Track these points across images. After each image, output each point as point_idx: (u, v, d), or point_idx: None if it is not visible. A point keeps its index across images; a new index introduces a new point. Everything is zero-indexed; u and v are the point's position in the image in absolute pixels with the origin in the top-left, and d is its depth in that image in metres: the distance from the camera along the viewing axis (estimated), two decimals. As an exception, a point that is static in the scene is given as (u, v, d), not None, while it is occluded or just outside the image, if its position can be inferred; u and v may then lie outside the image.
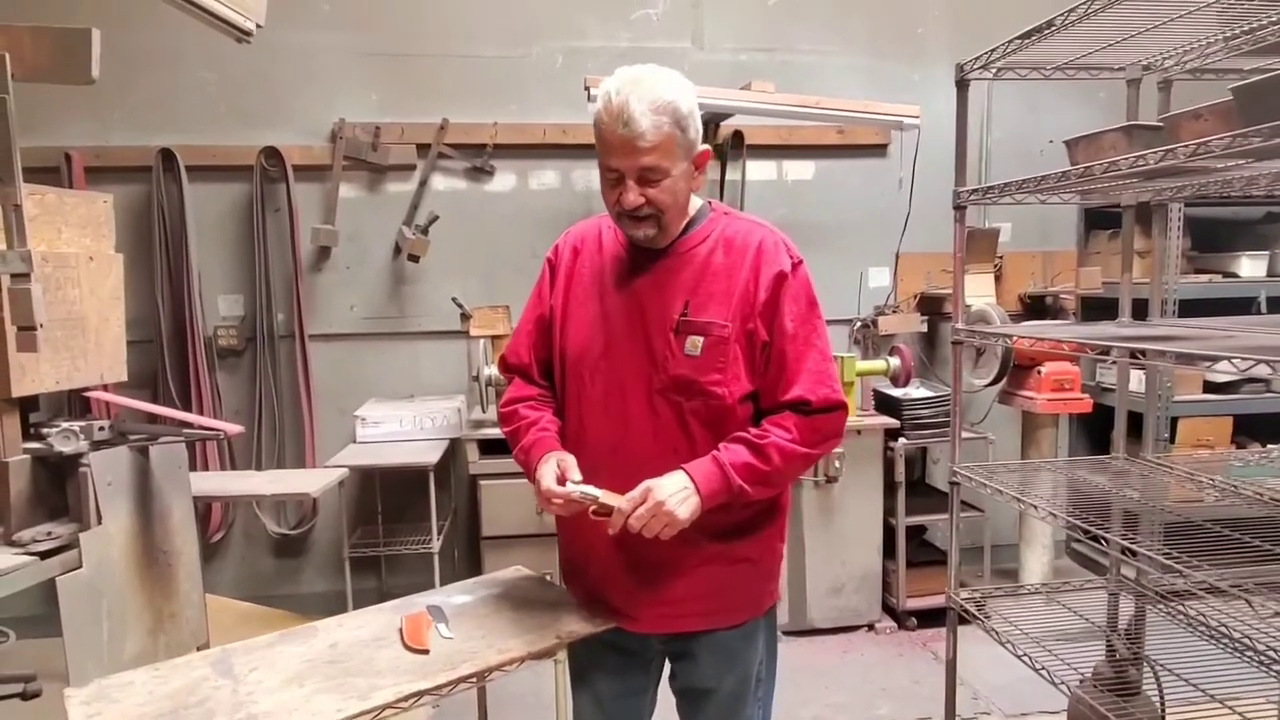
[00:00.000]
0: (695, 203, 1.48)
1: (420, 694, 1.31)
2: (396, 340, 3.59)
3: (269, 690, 1.32)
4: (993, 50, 1.81)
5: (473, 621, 1.55)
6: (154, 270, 3.32)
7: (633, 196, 1.35)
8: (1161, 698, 1.84)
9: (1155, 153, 1.30)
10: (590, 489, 1.36)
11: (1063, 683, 1.68)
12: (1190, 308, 3.25)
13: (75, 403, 2.91)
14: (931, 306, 3.79)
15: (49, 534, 1.81)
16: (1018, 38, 1.70)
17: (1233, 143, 1.19)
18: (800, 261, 1.45)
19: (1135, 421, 2.31)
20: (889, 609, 3.40)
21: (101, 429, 1.92)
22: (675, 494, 1.32)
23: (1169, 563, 1.40)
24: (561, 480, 1.37)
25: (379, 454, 3.08)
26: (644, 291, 1.44)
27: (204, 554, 3.46)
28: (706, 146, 1.43)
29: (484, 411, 3.32)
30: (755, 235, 1.44)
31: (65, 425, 1.85)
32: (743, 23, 3.69)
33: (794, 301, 1.41)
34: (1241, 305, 3.43)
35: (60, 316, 1.91)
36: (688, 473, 1.35)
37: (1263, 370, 1.22)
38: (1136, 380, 3.01)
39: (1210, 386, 3.52)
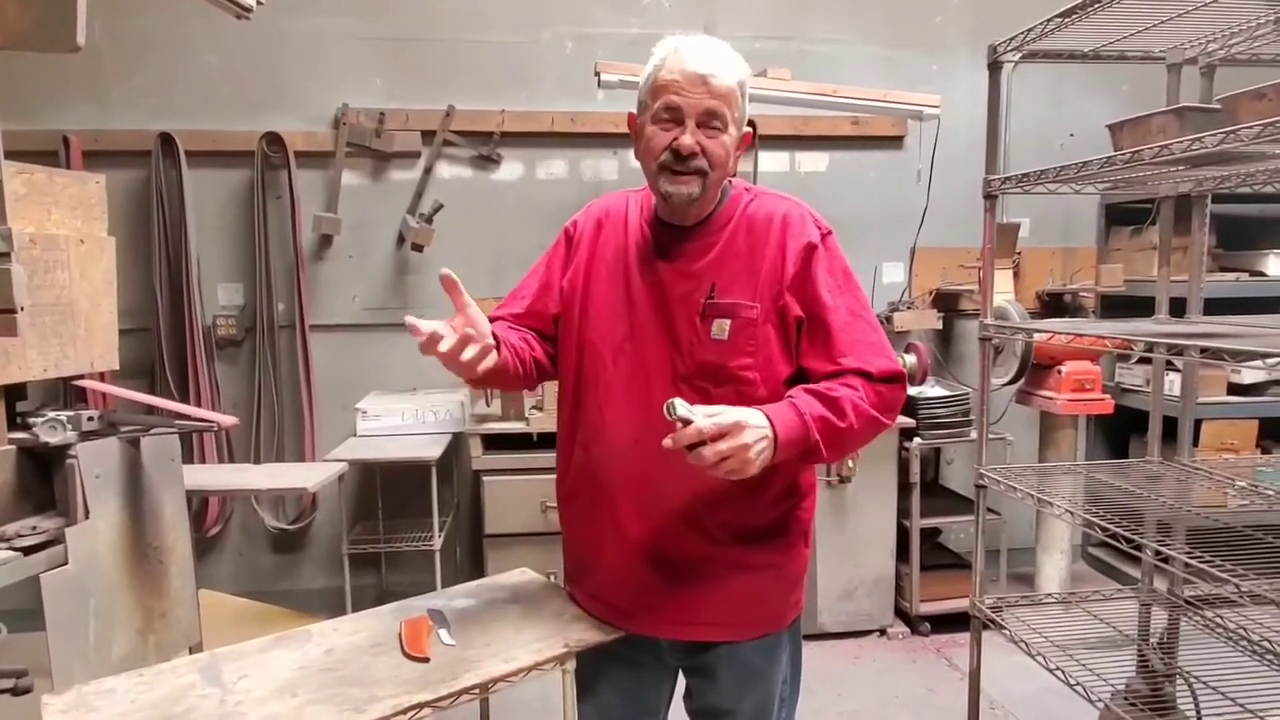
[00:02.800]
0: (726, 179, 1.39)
1: (420, 706, 1.22)
2: (400, 331, 3.41)
3: (259, 700, 1.24)
4: (1029, 30, 1.72)
5: (476, 627, 1.46)
6: (152, 257, 3.24)
7: (690, 140, 1.26)
8: (1199, 714, 1.75)
9: (1215, 135, 1.21)
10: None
11: (1099, 700, 1.59)
12: (1216, 306, 3.14)
13: (70, 393, 2.83)
14: (948, 303, 3.70)
15: (34, 529, 1.72)
16: (1058, 15, 1.61)
17: (1304, 123, 1.09)
18: (830, 232, 1.36)
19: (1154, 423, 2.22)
20: (901, 613, 3.31)
21: (90, 419, 1.83)
22: (759, 441, 1.15)
23: (1221, 574, 1.31)
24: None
25: (380, 448, 3.00)
26: (668, 275, 1.35)
27: (200, 548, 3.39)
28: (750, 129, 1.36)
29: (488, 405, 3.24)
30: (780, 209, 1.36)
31: (52, 415, 1.77)
32: (756, 10, 3.59)
33: (828, 273, 1.32)
34: (1269, 305, 3.32)
35: (49, 301, 1.83)
36: (770, 418, 1.18)
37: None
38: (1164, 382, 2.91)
39: (1234, 389, 3.42)
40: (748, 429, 1.14)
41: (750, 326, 1.30)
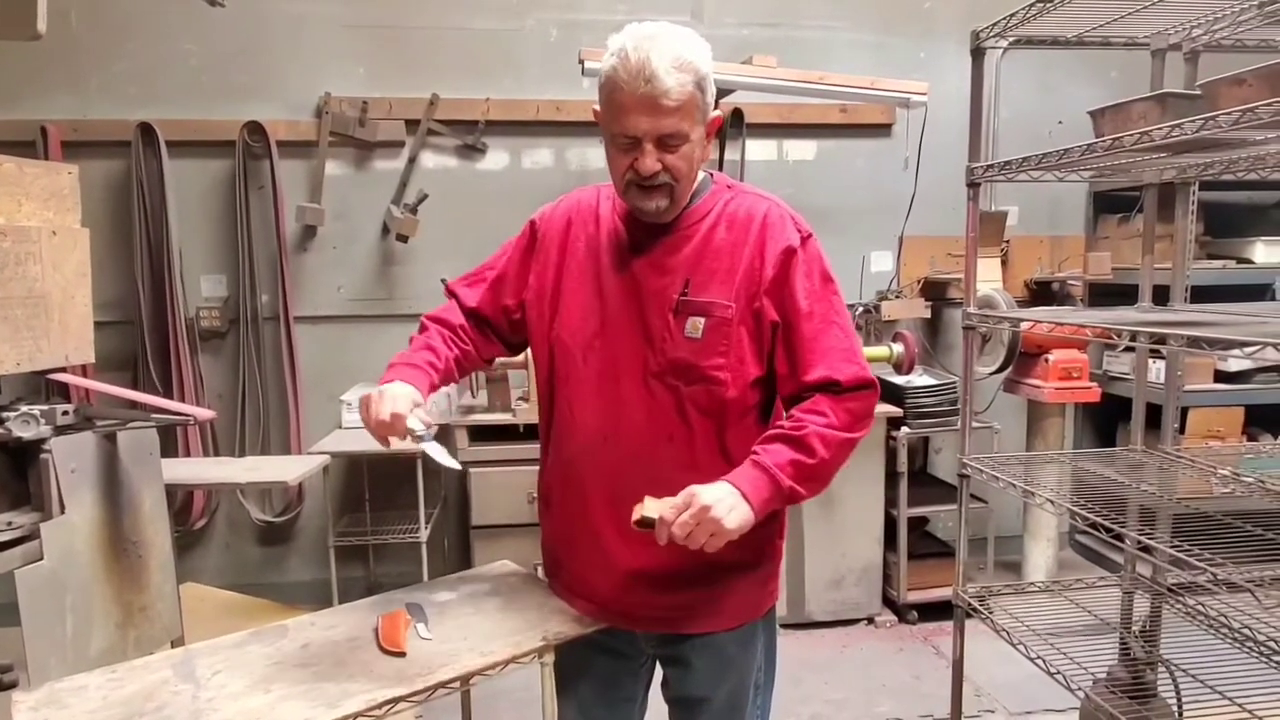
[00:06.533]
0: (698, 176, 1.37)
1: (394, 701, 1.21)
2: (385, 323, 3.48)
3: (232, 695, 1.23)
4: (1011, 15, 1.70)
5: (454, 621, 1.46)
6: (133, 249, 3.21)
7: (650, 162, 1.23)
8: (1179, 702, 1.75)
9: (1194, 121, 1.20)
10: (420, 425, 1.26)
11: (1079, 689, 1.59)
12: (1203, 294, 3.14)
13: (49, 387, 2.80)
14: (936, 292, 3.69)
15: (9, 524, 1.71)
16: (1039, 0, 1.59)
17: (1283, 109, 1.08)
18: (810, 235, 1.34)
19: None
20: (889, 602, 3.32)
21: (65, 413, 1.81)
22: (722, 500, 1.17)
23: (1199, 563, 1.30)
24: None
25: (366, 440, 2.93)
26: (641, 270, 1.34)
27: (186, 541, 3.38)
28: (719, 113, 1.33)
29: (474, 397, 3.23)
30: (760, 209, 1.34)
31: (25, 409, 1.75)
32: (745, -4, 3.56)
33: (806, 277, 1.31)
34: (1256, 292, 3.34)
35: (20, 294, 1.80)
36: (732, 483, 1.21)
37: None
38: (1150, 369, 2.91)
39: (1221, 376, 3.43)
40: (699, 494, 1.17)
41: (724, 326, 1.29)
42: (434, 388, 1.38)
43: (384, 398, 1.28)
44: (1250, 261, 3.46)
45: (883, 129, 3.70)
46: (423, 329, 1.46)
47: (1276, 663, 1.45)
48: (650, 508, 1.20)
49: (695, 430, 1.31)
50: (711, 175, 1.41)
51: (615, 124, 1.24)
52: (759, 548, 1.39)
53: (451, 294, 1.50)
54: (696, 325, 1.29)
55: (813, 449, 1.23)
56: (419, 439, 1.27)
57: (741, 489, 1.20)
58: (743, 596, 1.40)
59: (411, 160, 3.39)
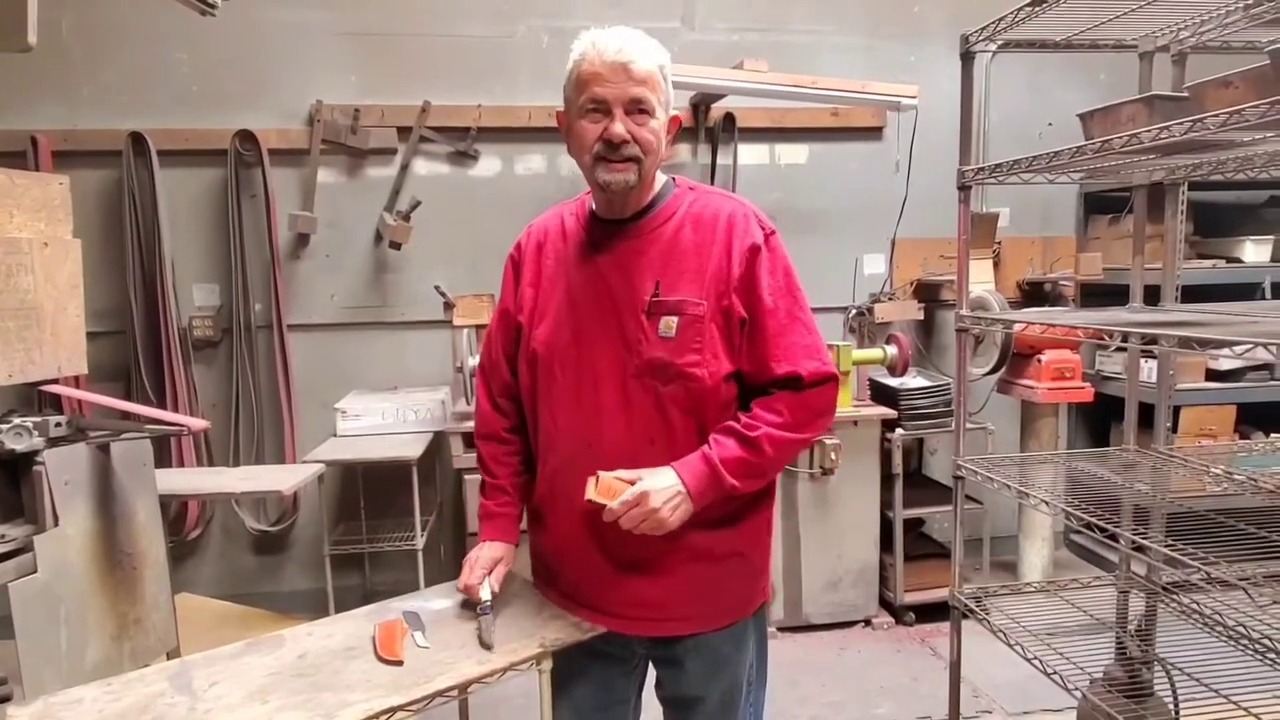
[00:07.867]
0: (660, 179, 1.40)
1: (392, 710, 1.21)
2: (379, 330, 3.48)
3: (229, 707, 1.23)
4: (1000, 19, 1.71)
5: (452, 629, 1.45)
6: (125, 259, 3.20)
7: (620, 128, 1.27)
8: (1175, 700, 1.76)
9: (1182, 123, 1.21)
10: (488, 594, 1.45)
11: (1076, 689, 1.60)
12: (1193, 294, 3.15)
13: (42, 399, 2.79)
14: (929, 294, 3.70)
15: (2, 537, 1.70)
16: (1029, 4, 1.60)
17: (1269, 110, 1.09)
18: (773, 232, 1.38)
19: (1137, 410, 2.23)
20: (886, 603, 3.32)
21: (58, 424, 1.80)
22: (669, 500, 1.27)
23: (1191, 561, 1.31)
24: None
25: (360, 448, 2.97)
26: (611, 274, 1.36)
27: (181, 551, 3.37)
28: (678, 113, 1.38)
29: (468, 403, 3.21)
30: (725, 209, 1.37)
31: (18, 421, 1.74)
32: (735, 1, 3.57)
33: (770, 274, 1.34)
34: (1245, 291, 3.36)
35: (12, 306, 1.80)
36: (678, 474, 1.28)
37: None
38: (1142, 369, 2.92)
39: (1213, 374, 3.45)
40: (652, 495, 1.27)
41: (697, 323, 1.32)
42: (520, 514, 1.55)
43: (467, 567, 1.50)
44: (1240, 260, 3.48)
45: (874, 132, 3.71)
46: (480, 460, 1.57)
47: (1271, 660, 1.46)
48: (602, 493, 1.29)
49: (676, 431, 1.33)
50: (674, 179, 1.43)
51: (585, 92, 1.29)
52: (749, 543, 1.42)
53: (482, 372, 1.58)
54: (670, 324, 1.32)
55: (761, 449, 1.30)
56: (483, 612, 1.43)
57: (688, 486, 1.28)
58: (734, 595, 1.42)
59: (404, 167, 3.39)
